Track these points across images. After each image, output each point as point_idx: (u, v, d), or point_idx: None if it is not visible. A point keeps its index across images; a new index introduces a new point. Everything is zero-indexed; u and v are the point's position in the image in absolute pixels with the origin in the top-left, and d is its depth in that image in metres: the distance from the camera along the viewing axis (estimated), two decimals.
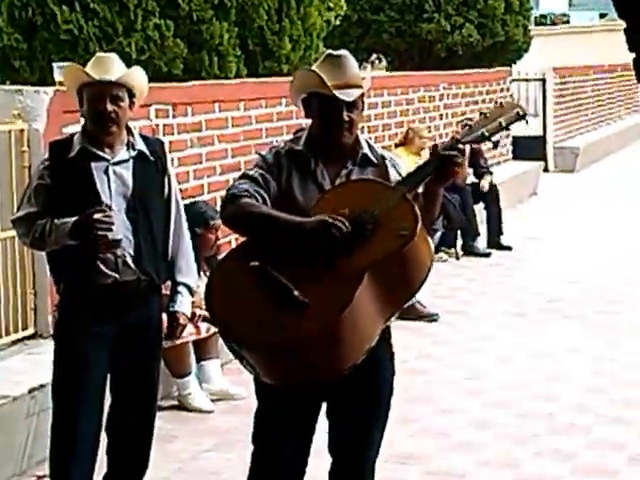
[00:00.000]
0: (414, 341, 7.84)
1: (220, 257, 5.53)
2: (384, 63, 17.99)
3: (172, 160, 7.62)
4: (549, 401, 6.58)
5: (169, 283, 5.01)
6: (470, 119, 4.21)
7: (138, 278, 4.61)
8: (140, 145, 4.68)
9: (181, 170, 7.93)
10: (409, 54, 16.97)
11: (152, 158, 4.71)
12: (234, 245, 4.95)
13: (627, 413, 6.34)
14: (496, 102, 4.13)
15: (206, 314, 6.21)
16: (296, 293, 3.70)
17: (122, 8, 8.76)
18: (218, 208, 5.45)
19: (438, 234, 10.22)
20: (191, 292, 5.01)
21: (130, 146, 4.64)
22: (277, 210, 3.92)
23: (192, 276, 5.03)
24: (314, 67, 4.03)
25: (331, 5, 10.83)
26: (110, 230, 4.35)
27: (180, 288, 4.93)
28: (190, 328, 6.66)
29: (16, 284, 6.47)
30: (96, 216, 4.30)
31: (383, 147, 10.77)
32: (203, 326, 6.84)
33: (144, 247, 4.61)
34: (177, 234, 4.85)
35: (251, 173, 4.06)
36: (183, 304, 4.96)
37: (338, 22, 11.54)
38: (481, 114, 4.06)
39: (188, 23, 9.19)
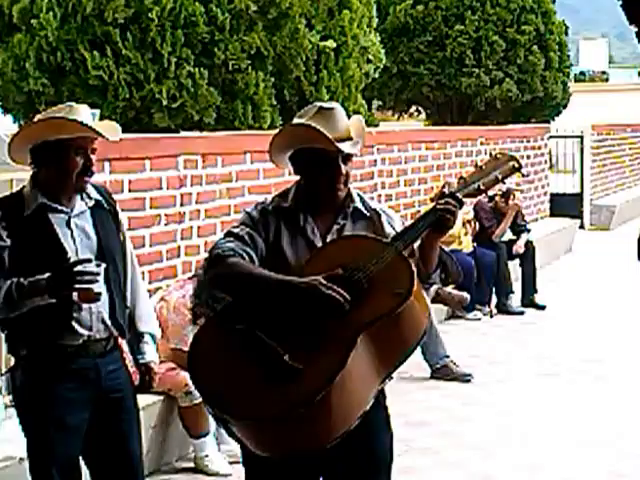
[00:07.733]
0: (445, 402, 7.61)
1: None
2: (423, 115, 18.56)
3: (199, 211, 7.76)
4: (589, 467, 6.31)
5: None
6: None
7: (110, 335, 4.36)
8: (95, 194, 4.40)
9: (209, 222, 7.81)
10: (448, 107, 17.41)
11: (107, 206, 4.46)
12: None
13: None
14: (491, 154, 4.07)
15: None
16: (286, 358, 3.53)
17: (155, 55, 8.66)
18: None
19: (434, 287, 9.65)
20: (154, 339, 4.81)
21: (85, 195, 4.36)
22: (266, 269, 3.75)
23: (154, 323, 4.84)
24: (303, 121, 3.85)
25: (370, 57, 10.97)
26: (96, 282, 4.06)
27: (145, 337, 4.71)
28: None
29: None
30: (78, 268, 4.01)
31: (418, 201, 11.38)
32: None
33: (117, 300, 4.40)
34: (134, 281, 4.62)
35: (237, 231, 3.88)
36: (152, 353, 4.74)
37: (377, 74, 11.65)
38: (476, 166, 4.00)
39: (223, 72, 9.13)
